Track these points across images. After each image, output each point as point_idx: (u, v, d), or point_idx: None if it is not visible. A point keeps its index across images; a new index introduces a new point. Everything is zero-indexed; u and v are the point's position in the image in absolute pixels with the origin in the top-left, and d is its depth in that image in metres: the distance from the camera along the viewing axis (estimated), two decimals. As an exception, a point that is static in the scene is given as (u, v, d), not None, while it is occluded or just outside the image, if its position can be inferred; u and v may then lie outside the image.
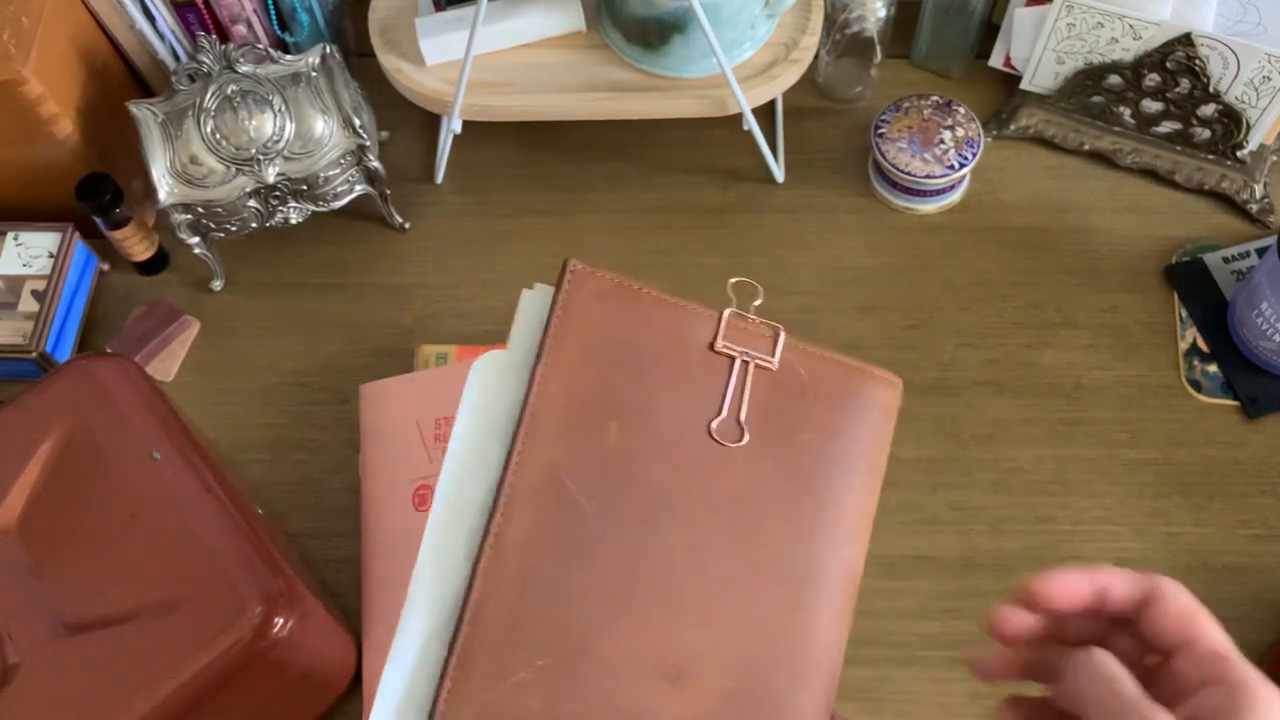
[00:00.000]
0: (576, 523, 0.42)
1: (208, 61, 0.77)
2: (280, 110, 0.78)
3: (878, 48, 0.88)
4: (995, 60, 0.91)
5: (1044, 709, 0.37)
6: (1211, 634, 0.35)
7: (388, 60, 0.85)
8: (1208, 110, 0.83)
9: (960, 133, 0.84)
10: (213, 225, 0.81)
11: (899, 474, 0.73)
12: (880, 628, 0.70)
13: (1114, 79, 0.85)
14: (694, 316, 0.46)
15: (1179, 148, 0.86)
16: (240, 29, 0.87)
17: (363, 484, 0.74)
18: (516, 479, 0.42)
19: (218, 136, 0.77)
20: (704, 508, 0.42)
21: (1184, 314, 0.81)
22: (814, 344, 0.46)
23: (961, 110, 0.85)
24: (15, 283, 0.82)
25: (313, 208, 0.83)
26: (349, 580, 0.74)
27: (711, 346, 0.45)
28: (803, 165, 0.90)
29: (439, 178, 0.91)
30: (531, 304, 0.46)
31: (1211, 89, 0.82)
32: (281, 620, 0.57)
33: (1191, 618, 0.35)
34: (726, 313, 0.46)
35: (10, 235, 0.83)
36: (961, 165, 0.83)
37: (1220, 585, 0.71)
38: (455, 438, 0.44)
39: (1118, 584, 0.36)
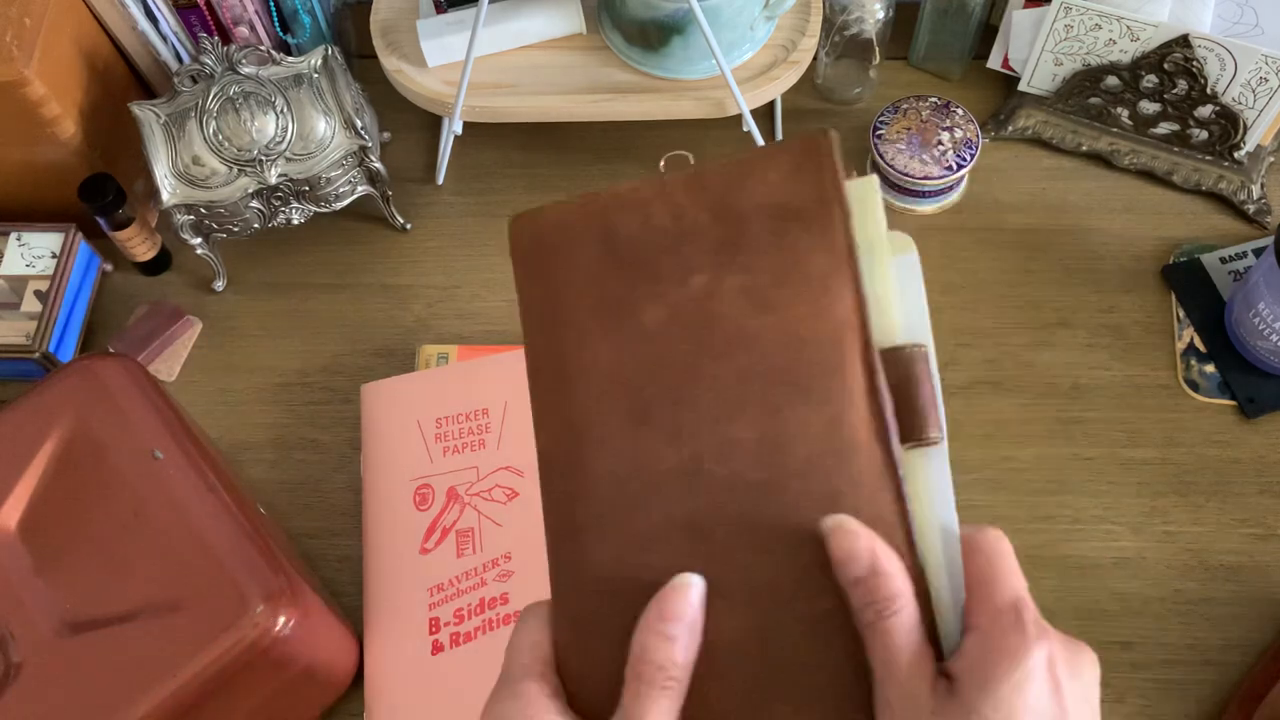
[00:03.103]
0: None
1: (210, 63, 0.77)
2: (282, 111, 0.78)
3: (876, 49, 0.89)
4: (993, 62, 0.92)
5: None
6: (1008, 584, 0.32)
7: (389, 62, 0.85)
8: (1205, 111, 0.83)
9: (958, 134, 0.84)
10: (215, 226, 0.82)
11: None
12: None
13: (1112, 80, 0.85)
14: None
15: (1176, 149, 0.87)
16: (242, 30, 0.87)
17: (364, 483, 0.74)
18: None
19: (220, 138, 0.77)
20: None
21: (1181, 314, 0.81)
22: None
23: (960, 111, 0.85)
24: (18, 283, 0.82)
25: (314, 208, 0.83)
26: (350, 579, 0.74)
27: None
28: (802, 166, 0.90)
29: (440, 178, 0.91)
30: None
31: (1209, 90, 0.82)
32: (283, 619, 0.58)
33: (996, 561, 0.33)
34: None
35: (13, 235, 0.84)
36: (960, 166, 0.83)
37: (1218, 584, 0.71)
38: None
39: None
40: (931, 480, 0.34)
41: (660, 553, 0.34)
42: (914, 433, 0.34)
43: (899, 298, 0.35)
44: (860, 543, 0.32)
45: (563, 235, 0.36)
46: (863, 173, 0.35)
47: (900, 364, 0.34)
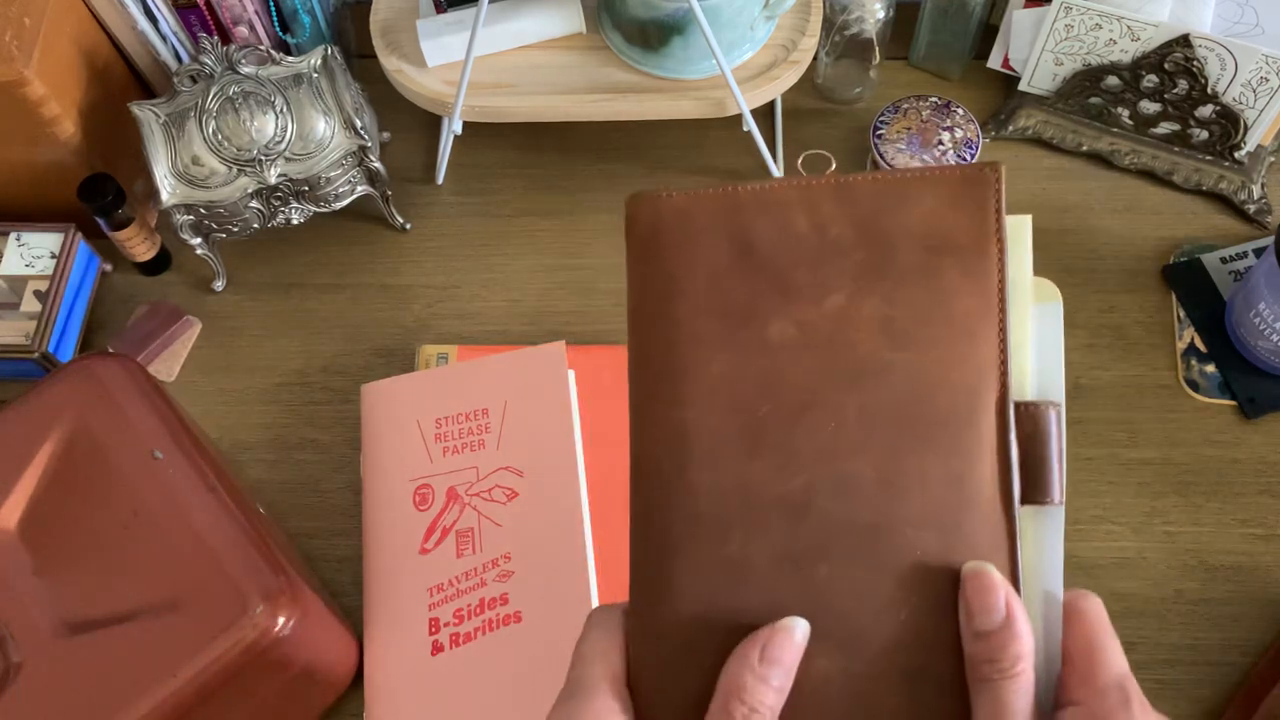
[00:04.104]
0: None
1: (209, 63, 0.77)
2: (282, 111, 0.78)
3: (876, 49, 0.89)
4: (994, 61, 0.92)
5: None
6: (1113, 660, 0.32)
7: (389, 61, 0.85)
8: (1205, 111, 0.83)
9: (959, 134, 0.84)
10: (214, 226, 0.82)
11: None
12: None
13: (1112, 80, 0.85)
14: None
15: (1177, 148, 0.87)
16: (242, 30, 0.87)
17: (364, 483, 0.74)
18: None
19: (219, 137, 0.77)
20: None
21: (1182, 314, 0.81)
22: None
23: (960, 111, 0.85)
24: (18, 283, 0.82)
25: (314, 208, 0.83)
26: (350, 579, 0.74)
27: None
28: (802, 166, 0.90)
29: (440, 178, 0.91)
30: None
31: (1209, 90, 0.82)
32: (283, 619, 0.57)
33: (1098, 631, 0.32)
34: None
35: (13, 236, 0.84)
36: (960, 166, 0.83)
37: (1218, 584, 0.71)
38: None
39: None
40: (1044, 543, 0.33)
41: (757, 584, 0.33)
42: (1035, 494, 0.33)
43: (1036, 348, 0.34)
44: (999, 595, 0.31)
45: (689, 226, 0.34)
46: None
47: (1031, 421, 0.33)
